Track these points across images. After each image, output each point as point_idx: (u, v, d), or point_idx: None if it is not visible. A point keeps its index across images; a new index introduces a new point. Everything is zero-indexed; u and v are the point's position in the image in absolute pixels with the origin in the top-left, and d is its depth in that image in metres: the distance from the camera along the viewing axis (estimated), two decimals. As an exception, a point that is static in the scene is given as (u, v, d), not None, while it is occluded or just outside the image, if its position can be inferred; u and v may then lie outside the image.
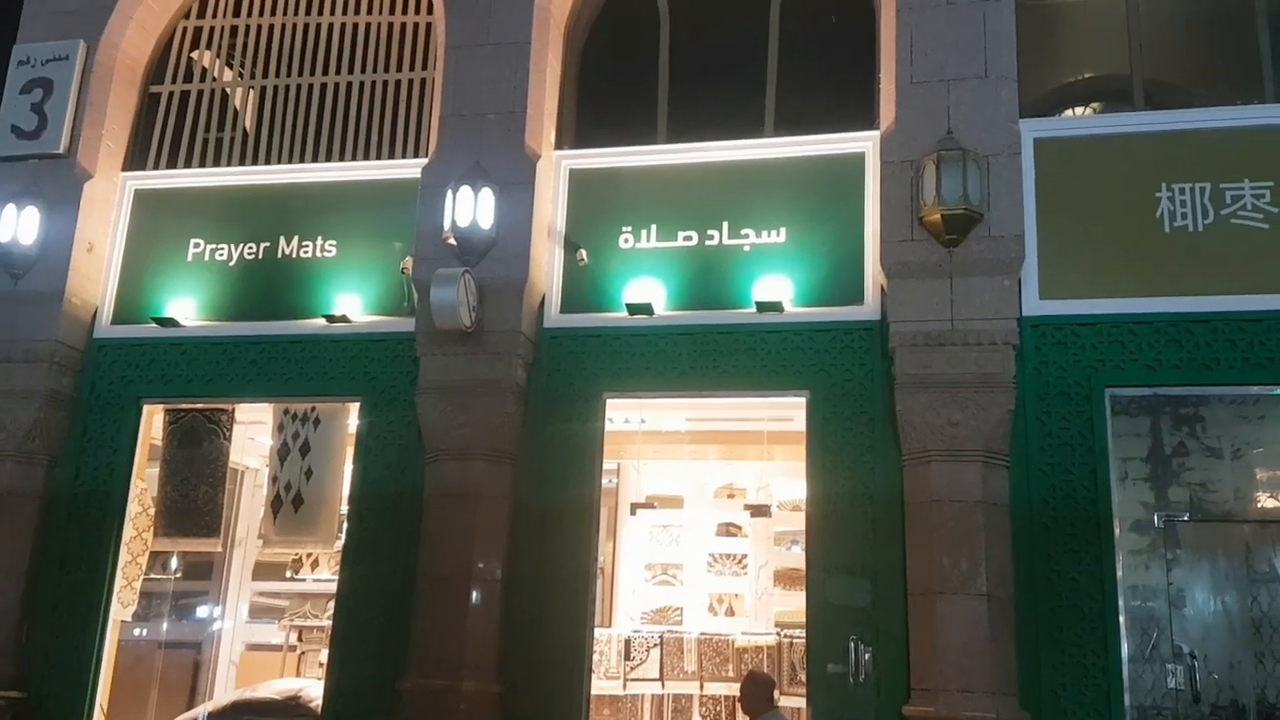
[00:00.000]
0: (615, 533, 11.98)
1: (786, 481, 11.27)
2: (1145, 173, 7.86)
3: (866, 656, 7.38)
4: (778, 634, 10.23)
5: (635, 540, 12.16)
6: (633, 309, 8.45)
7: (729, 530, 12.21)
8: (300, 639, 10.88)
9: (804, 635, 8.04)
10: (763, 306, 8.23)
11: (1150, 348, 7.55)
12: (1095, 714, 7.01)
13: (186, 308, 9.29)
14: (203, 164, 9.81)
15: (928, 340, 7.56)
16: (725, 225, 8.56)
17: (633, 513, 11.54)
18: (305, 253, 9.27)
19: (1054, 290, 7.74)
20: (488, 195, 8.46)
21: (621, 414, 9.73)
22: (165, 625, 10.42)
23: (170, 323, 9.23)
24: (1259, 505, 7.42)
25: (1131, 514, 7.42)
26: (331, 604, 8.86)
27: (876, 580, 7.56)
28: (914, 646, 7.25)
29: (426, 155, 9.07)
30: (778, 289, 8.27)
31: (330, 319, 8.95)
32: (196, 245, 9.50)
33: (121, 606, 9.03)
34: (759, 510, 10.97)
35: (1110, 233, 7.80)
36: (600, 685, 9.64)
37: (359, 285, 9.05)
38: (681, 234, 8.63)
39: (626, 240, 8.74)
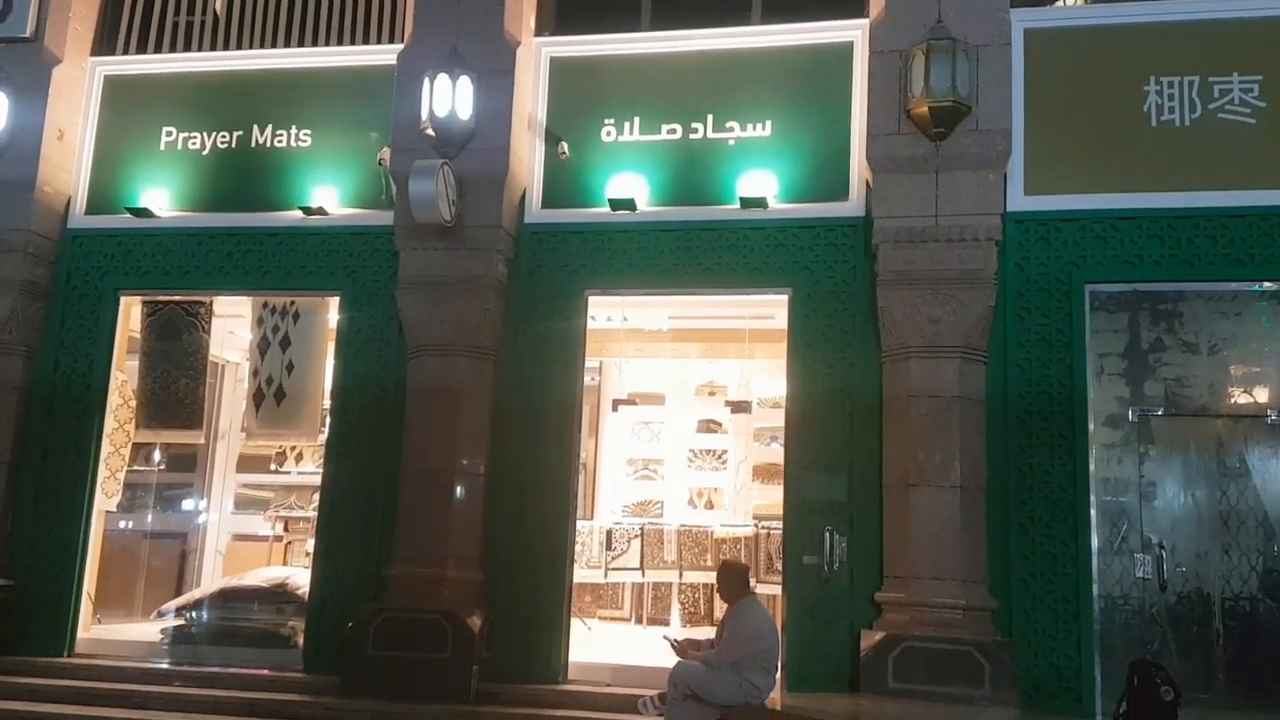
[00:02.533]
0: (597, 429, 12.09)
1: (767, 379, 11.34)
2: (1134, 66, 7.74)
3: (841, 546, 7.54)
4: (755, 526, 10.43)
5: (617, 436, 12.28)
6: (615, 204, 8.35)
7: (709, 427, 12.33)
8: (286, 529, 11.03)
9: (781, 527, 8.21)
10: (747, 203, 8.15)
11: (1132, 244, 7.55)
12: (1063, 602, 7.21)
13: (160, 198, 9.13)
14: (173, 49, 9.54)
15: (911, 236, 7.52)
16: (710, 118, 8.41)
17: (614, 409, 11.61)
18: (279, 142, 9.09)
19: (1039, 186, 7.69)
20: (466, 84, 8.26)
21: (604, 312, 9.71)
22: (151, 516, 10.52)
23: (145, 213, 9.08)
24: (1233, 400, 7.52)
25: (1106, 409, 7.52)
26: (316, 496, 8.95)
27: (853, 474, 7.68)
28: (887, 537, 7.41)
29: (402, 41, 8.82)
30: (762, 184, 8.18)
31: (307, 211, 8.82)
32: (169, 133, 9.29)
33: (106, 497, 9.11)
34: (739, 407, 11.06)
35: (1097, 127, 7.72)
36: (582, 574, 9.85)
37: (335, 177, 8.90)
38: (665, 127, 8.49)
39: (609, 133, 8.59)
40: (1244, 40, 7.64)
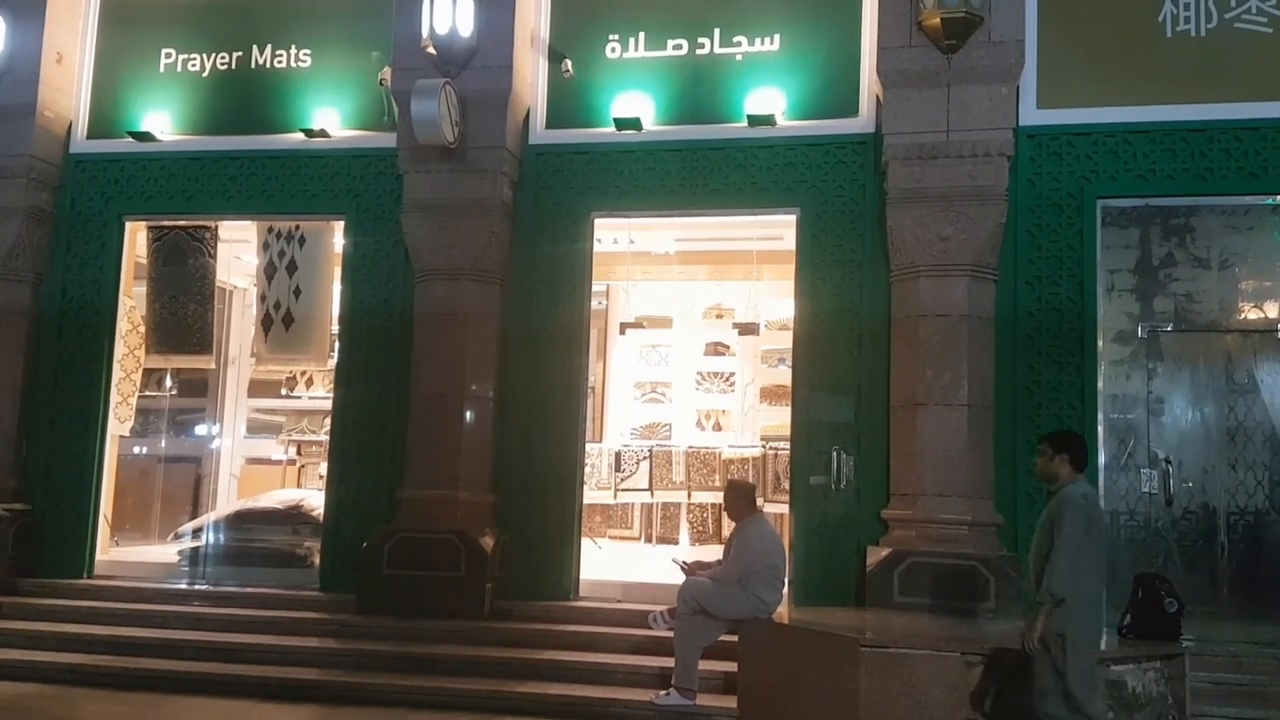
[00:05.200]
0: (605, 352, 12.10)
1: (775, 301, 11.31)
2: (1151, -27, 7.56)
3: (848, 465, 7.59)
4: (763, 447, 10.50)
5: (625, 360, 12.30)
6: (620, 124, 8.23)
7: (717, 349, 12.33)
8: (299, 453, 11.13)
9: (788, 448, 8.25)
10: (754, 120, 8.03)
11: (1145, 157, 7.44)
12: (1068, 517, 7.25)
13: (162, 121, 9.05)
14: (169, -33, 9.36)
15: (921, 153, 7.42)
16: (717, 32, 8.25)
17: (622, 333, 11.61)
18: (279, 63, 8.97)
19: (1051, 99, 7.56)
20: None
21: (610, 234, 9.65)
22: (164, 441, 10.62)
23: (146, 137, 9.00)
24: (1243, 316, 7.48)
25: (1116, 325, 7.49)
26: (328, 420, 9.02)
27: (860, 394, 7.69)
28: (894, 456, 7.45)
29: (402, -44, 8.64)
30: (770, 101, 8.05)
31: (309, 133, 8.73)
32: (168, 55, 9.17)
33: (119, 422, 9.20)
34: (747, 329, 11.05)
35: (1111, 38, 7.56)
36: (592, 495, 9.96)
37: (337, 98, 8.79)
38: (671, 42, 8.33)
39: (614, 50, 8.43)
40: (1265, -55, 7.44)
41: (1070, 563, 4.89)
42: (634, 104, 8.27)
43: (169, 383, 10.52)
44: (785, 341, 9.80)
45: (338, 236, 8.97)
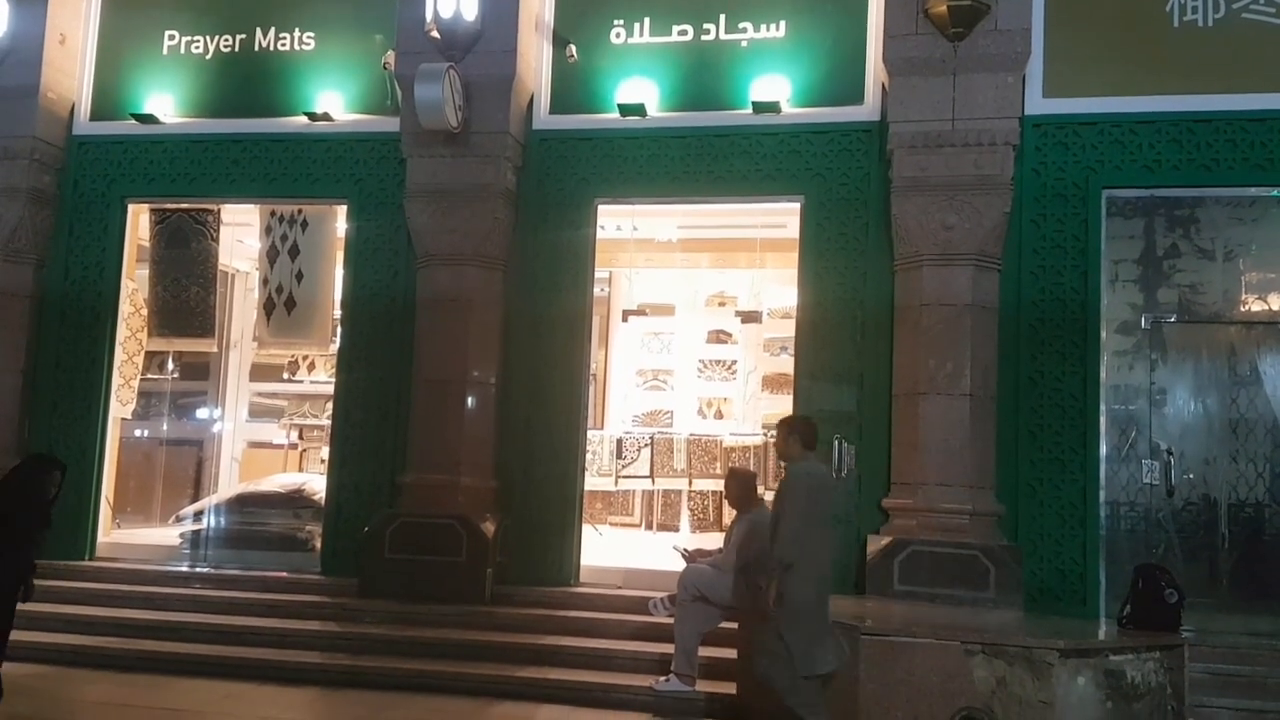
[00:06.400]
0: (607, 340, 12.09)
1: (778, 289, 11.27)
2: (1159, -37, 7.52)
3: (849, 454, 7.58)
4: (764, 435, 10.50)
5: (627, 347, 12.29)
6: (625, 110, 8.21)
7: (719, 337, 12.32)
8: (301, 437, 11.14)
9: (790, 436, 8.24)
10: (759, 107, 8.00)
11: (1150, 148, 7.42)
12: (1070, 507, 7.27)
13: (165, 103, 9.03)
14: (172, -51, 9.32)
15: (927, 141, 7.40)
16: (722, 18, 8.22)
17: (624, 320, 11.58)
18: (283, 45, 8.94)
19: (1058, 88, 7.53)
20: (471, -18, 8.08)
21: (613, 221, 9.61)
22: (166, 424, 10.63)
23: (150, 119, 8.98)
24: (1246, 307, 7.46)
25: (1119, 315, 7.48)
26: (330, 405, 9.02)
27: (862, 383, 7.69)
28: (896, 445, 7.45)
29: (406, -61, 8.59)
30: (775, 88, 8.02)
31: (312, 117, 8.71)
32: (171, 37, 9.14)
33: (120, 405, 9.20)
34: (749, 317, 11.02)
35: (1118, 27, 7.54)
36: (593, 482, 9.96)
37: (340, 81, 8.76)
38: (676, 28, 8.30)
39: (618, 35, 8.40)
40: (1274, -65, 7.40)
41: (793, 532, 5.36)
42: (638, 90, 8.24)
43: (171, 366, 10.52)
44: (788, 330, 9.77)
45: (340, 221, 8.95)
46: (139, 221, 9.31)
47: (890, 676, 5.42)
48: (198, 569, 8.62)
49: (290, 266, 9.04)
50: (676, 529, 10.59)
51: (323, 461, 9.41)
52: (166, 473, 10.57)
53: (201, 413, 11.33)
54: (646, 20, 8.33)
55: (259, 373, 11.48)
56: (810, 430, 5.76)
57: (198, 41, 9.09)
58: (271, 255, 9.08)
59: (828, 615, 5.52)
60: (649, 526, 10.86)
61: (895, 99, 7.54)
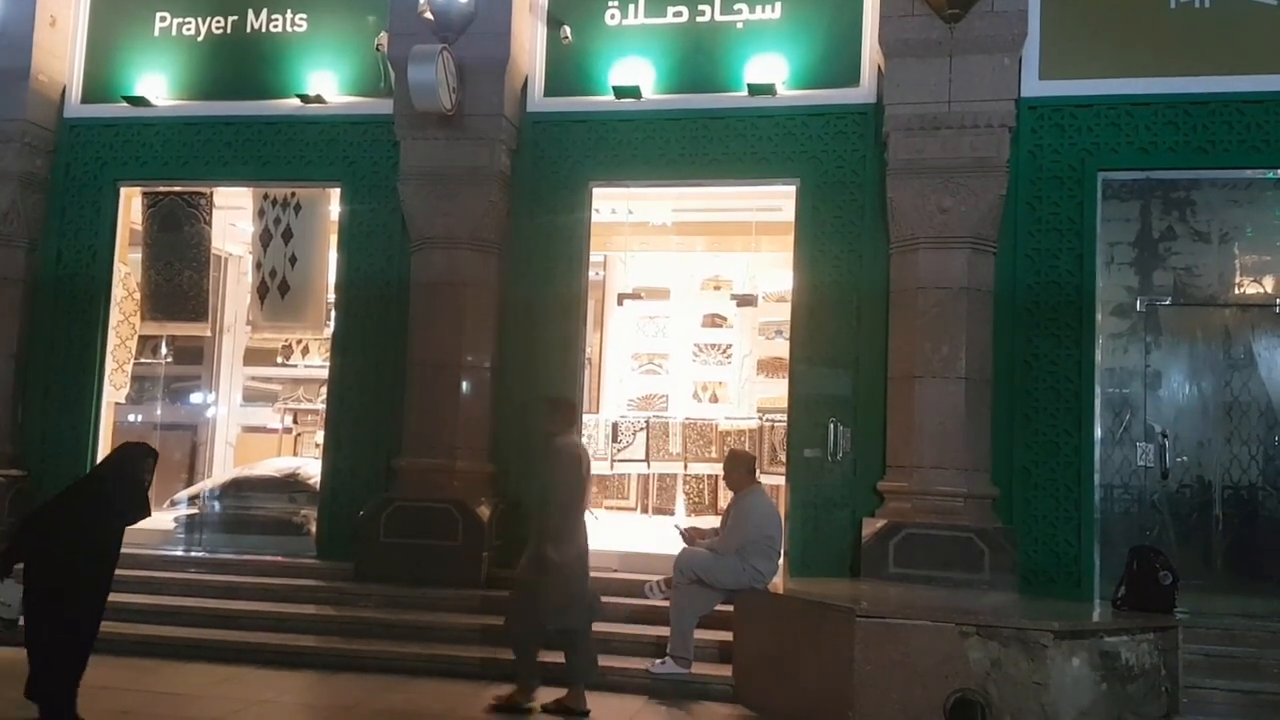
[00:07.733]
0: (602, 323, 12.06)
1: (773, 272, 11.26)
2: (1157, -56, 7.49)
3: (845, 437, 7.59)
4: (760, 419, 10.50)
5: (622, 331, 12.26)
6: (620, 92, 8.17)
7: (714, 321, 12.30)
8: (295, 421, 11.12)
9: (785, 420, 8.25)
10: (755, 89, 7.96)
11: (1146, 130, 7.41)
12: (1065, 490, 7.29)
13: (157, 86, 8.96)
14: (162, -70, 9.24)
15: (923, 123, 7.38)
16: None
17: (619, 304, 11.56)
18: (275, 27, 8.87)
19: (1054, 70, 7.51)
20: (465, -37, 8.02)
21: (608, 204, 9.59)
22: (160, 409, 10.59)
23: (141, 102, 8.92)
24: (1241, 290, 7.48)
25: (1114, 298, 7.48)
26: (324, 389, 8.99)
27: (858, 366, 7.69)
28: (891, 428, 7.45)
29: (398, -82, 8.52)
30: (771, 70, 7.99)
31: (304, 99, 8.65)
32: (163, 19, 9.07)
33: (114, 389, 9.17)
34: (745, 300, 11.01)
35: (1115, 9, 7.52)
36: (588, 466, 9.93)
37: (333, 63, 8.70)
38: (671, 9, 8.25)
39: (613, 16, 8.35)
40: (1272, -84, 7.36)
41: (565, 499, 5.94)
42: (633, 72, 8.20)
43: (164, 350, 10.48)
44: (783, 313, 9.77)
45: (334, 203, 8.92)
46: (131, 205, 9.26)
47: (885, 658, 5.44)
48: (193, 553, 8.61)
49: (284, 250, 9.00)
50: (672, 512, 10.61)
51: (317, 446, 9.40)
52: (161, 457, 10.48)
53: (195, 397, 11.30)
54: (641, 1, 8.29)
55: (253, 357, 11.45)
56: (571, 411, 6.54)
57: (189, 23, 9.02)
58: (265, 239, 9.04)
59: (587, 574, 6.12)
60: (644, 510, 10.87)
61: (891, 81, 7.51)
